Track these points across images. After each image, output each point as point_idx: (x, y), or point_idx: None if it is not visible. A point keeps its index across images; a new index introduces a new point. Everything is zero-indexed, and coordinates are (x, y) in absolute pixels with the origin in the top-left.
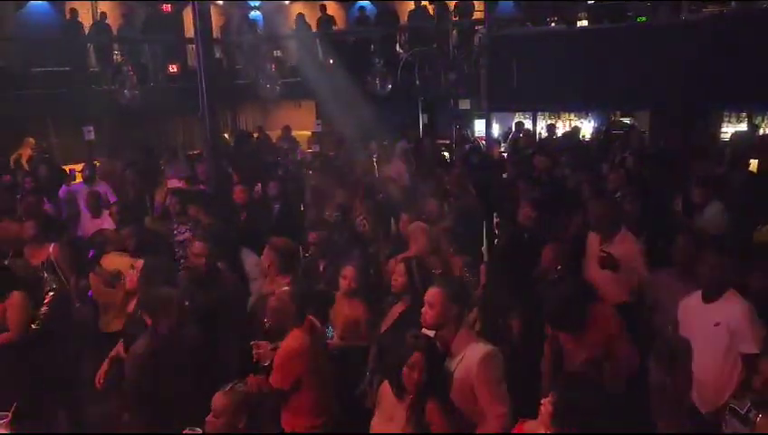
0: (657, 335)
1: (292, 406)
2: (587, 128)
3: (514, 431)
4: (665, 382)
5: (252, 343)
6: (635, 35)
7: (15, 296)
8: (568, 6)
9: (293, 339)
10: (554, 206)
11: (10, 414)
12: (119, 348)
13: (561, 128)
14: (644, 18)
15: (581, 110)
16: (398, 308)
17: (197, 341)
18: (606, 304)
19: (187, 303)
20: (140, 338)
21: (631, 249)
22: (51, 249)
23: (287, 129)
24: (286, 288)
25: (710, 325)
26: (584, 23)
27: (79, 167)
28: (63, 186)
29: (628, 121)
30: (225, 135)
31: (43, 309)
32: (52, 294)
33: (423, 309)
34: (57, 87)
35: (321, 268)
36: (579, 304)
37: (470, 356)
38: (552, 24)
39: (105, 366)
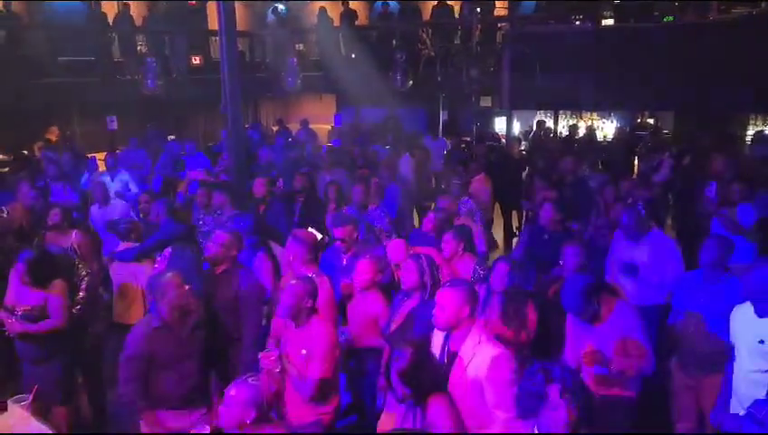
0: (682, 338)
1: (322, 397)
2: (609, 128)
3: None
4: (689, 386)
5: (260, 354)
6: (661, 35)
7: (58, 284)
8: (593, 5)
9: (324, 327)
10: (577, 206)
11: (31, 396)
12: None
13: (583, 127)
14: (671, 18)
15: (604, 109)
16: (408, 305)
17: (200, 332)
18: (625, 302)
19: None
20: (148, 316)
21: (662, 250)
22: (73, 236)
23: (305, 122)
24: (294, 281)
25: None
26: (609, 21)
27: (101, 155)
28: (86, 174)
29: (652, 122)
30: (246, 126)
31: (81, 294)
32: (86, 278)
33: (434, 310)
34: (82, 76)
35: (345, 262)
36: (592, 295)
37: (481, 357)
38: (577, 23)
39: None
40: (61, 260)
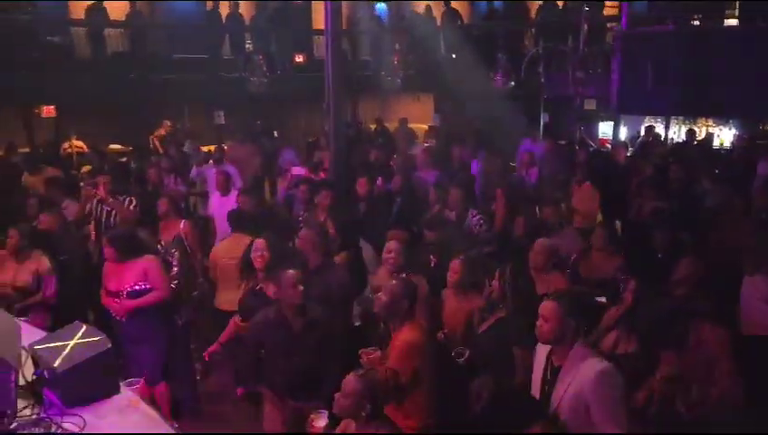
0: None
1: (402, 405)
2: (726, 136)
3: None
4: None
5: (361, 351)
6: None
7: (151, 259)
8: (716, 4)
9: (409, 333)
10: (687, 221)
11: (142, 380)
12: (234, 325)
13: (701, 134)
14: None
15: (723, 116)
16: (496, 314)
17: (316, 329)
18: (708, 326)
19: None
20: (268, 307)
21: None
22: (182, 226)
23: (403, 121)
24: (394, 282)
25: None
26: (733, 21)
27: (206, 149)
28: (194, 166)
29: None
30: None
31: (174, 269)
32: (176, 254)
33: (538, 322)
34: (194, 73)
35: (432, 264)
36: (670, 323)
37: (585, 373)
38: (696, 23)
39: (223, 339)
40: (142, 238)
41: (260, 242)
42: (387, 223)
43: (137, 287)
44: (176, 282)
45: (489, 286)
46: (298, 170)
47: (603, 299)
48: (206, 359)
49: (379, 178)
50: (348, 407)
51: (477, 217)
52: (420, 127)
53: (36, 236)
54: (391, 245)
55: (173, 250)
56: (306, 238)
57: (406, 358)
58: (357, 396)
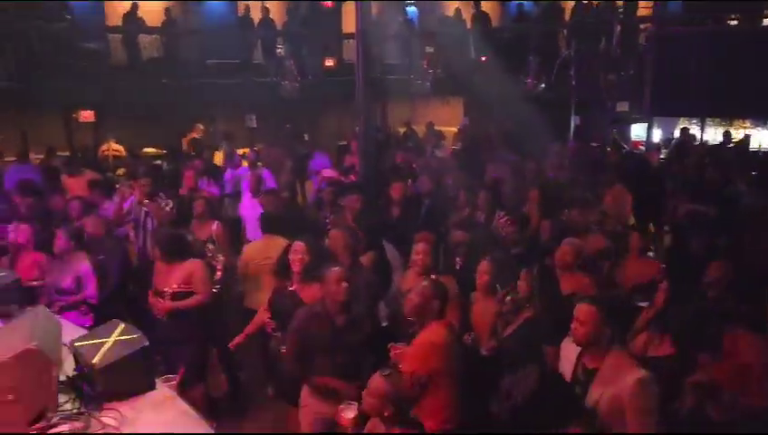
0: None
1: (421, 405)
2: (765, 137)
3: None
4: None
5: (390, 344)
6: None
7: (197, 263)
8: (753, 4)
9: (432, 332)
10: (722, 224)
11: (178, 377)
12: (260, 319)
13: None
14: None
15: (760, 117)
16: (523, 314)
17: (359, 326)
18: (743, 333)
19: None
20: (313, 304)
21: None
22: (214, 227)
23: (430, 124)
24: (425, 283)
25: None
26: None
27: (241, 152)
28: (229, 169)
29: None
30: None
31: (218, 275)
32: (223, 261)
33: (573, 325)
34: (226, 78)
35: (458, 267)
36: (702, 325)
37: (622, 379)
38: (733, 23)
39: (249, 331)
40: (191, 242)
41: (300, 245)
42: (416, 225)
43: (180, 289)
44: (218, 286)
45: (506, 289)
46: (329, 172)
47: (646, 304)
48: (233, 349)
49: (409, 181)
50: (372, 406)
51: (504, 218)
52: (450, 130)
53: (80, 238)
54: (420, 246)
55: (219, 255)
56: (337, 238)
57: (423, 358)
58: (381, 396)
